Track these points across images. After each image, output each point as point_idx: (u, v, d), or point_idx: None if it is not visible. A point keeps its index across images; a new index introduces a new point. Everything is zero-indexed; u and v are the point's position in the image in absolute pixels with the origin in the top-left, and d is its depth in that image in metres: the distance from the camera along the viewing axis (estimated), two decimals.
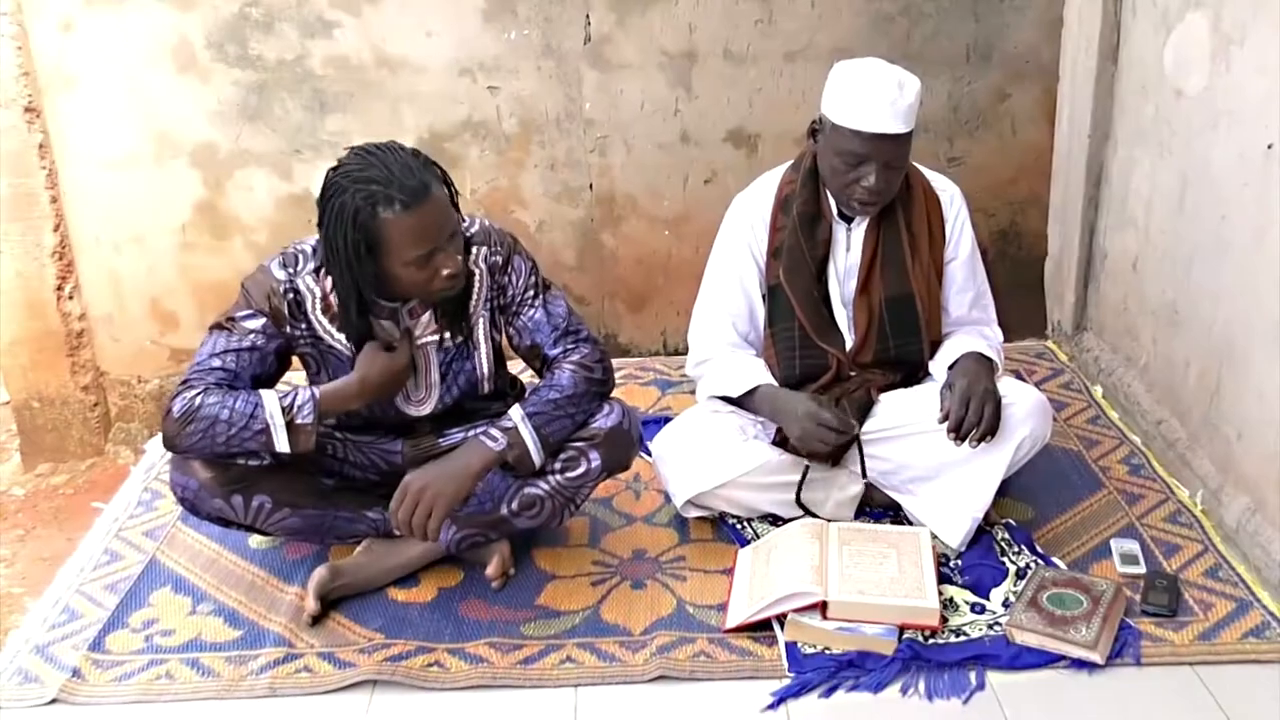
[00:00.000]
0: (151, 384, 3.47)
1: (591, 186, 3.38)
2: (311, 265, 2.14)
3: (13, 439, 3.49)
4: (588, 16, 3.20)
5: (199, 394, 2.07)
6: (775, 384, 2.39)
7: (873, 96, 2.19)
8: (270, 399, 2.07)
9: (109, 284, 3.37)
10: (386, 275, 2.06)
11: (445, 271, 2.06)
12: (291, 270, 2.14)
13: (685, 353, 3.45)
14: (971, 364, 2.33)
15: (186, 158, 3.27)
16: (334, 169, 2.04)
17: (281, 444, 2.07)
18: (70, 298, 3.32)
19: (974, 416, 2.23)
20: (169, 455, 2.19)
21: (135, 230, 3.32)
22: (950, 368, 2.36)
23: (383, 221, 1.98)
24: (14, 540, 2.99)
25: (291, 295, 2.14)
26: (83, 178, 3.26)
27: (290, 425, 2.07)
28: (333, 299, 2.14)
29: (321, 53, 3.20)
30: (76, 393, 3.38)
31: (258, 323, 2.13)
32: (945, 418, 2.25)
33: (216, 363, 2.12)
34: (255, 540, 2.49)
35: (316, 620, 2.22)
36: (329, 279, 2.13)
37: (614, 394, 2.35)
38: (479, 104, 3.28)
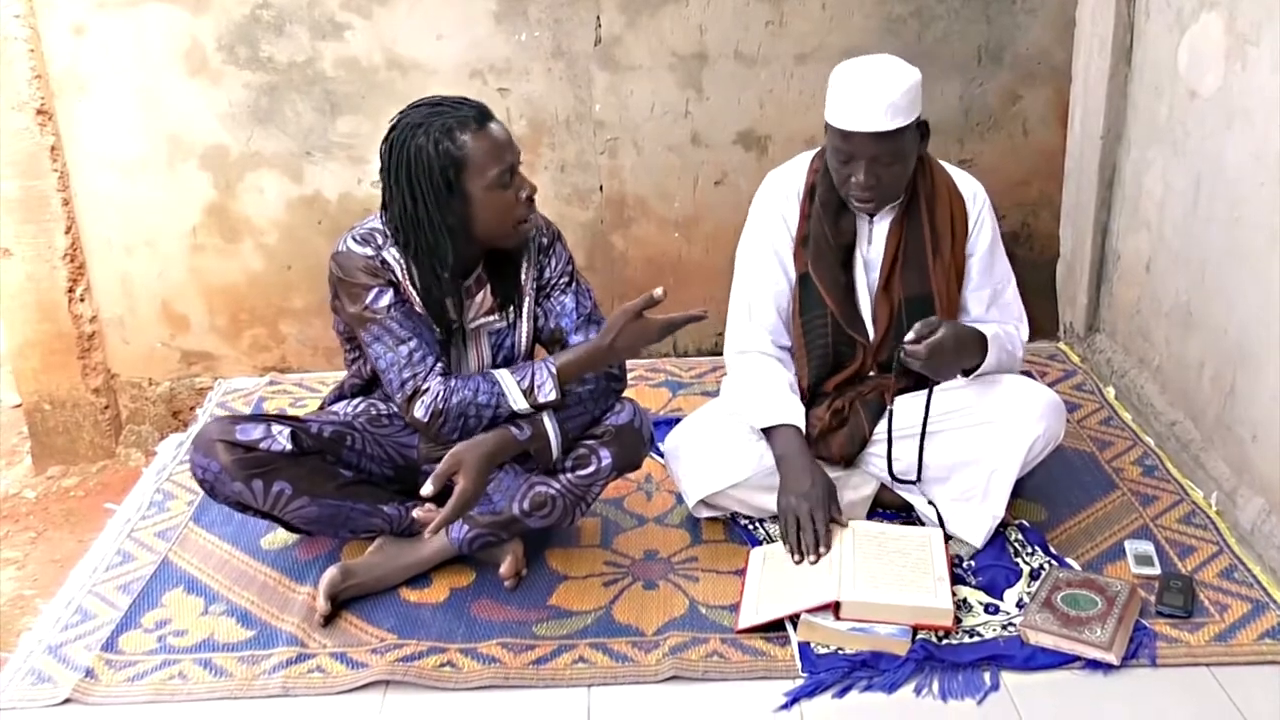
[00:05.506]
0: (162, 386, 3.47)
1: (601, 188, 3.38)
2: (390, 241, 2.17)
3: (24, 441, 3.50)
4: (598, 18, 3.20)
5: (440, 394, 2.14)
6: (801, 430, 2.34)
7: (850, 94, 2.16)
8: (511, 389, 2.17)
9: (120, 286, 3.38)
10: (472, 207, 2.11)
11: (524, 193, 2.14)
12: (373, 246, 2.17)
13: (695, 355, 3.52)
14: (960, 327, 2.26)
15: (197, 160, 3.28)
16: (390, 131, 2.12)
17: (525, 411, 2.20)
18: (81, 300, 3.33)
19: (924, 350, 2.16)
20: (191, 437, 2.19)
21: (146, 233, 3.33)
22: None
23: (463, 143, 2.08)
24: (26, 542, 3.00)
25: (383, 265, 2.17)
26: (94, 180, 3.27)
27: (535, 406, 2.18)
28: (414, 276, 2.17)
29: (332, 55, 3.20)
30: (87, 395, 3.38)
31: (380, 290, 2.16)
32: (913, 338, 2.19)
33: (404, 350, 2.15)
34: (267, 540, 2.48)
35: (328, 620, 2.21)
36: (410, 258, 2.16)
37: (624, 395, 2.37)
38: (489, 106, 3.26)
